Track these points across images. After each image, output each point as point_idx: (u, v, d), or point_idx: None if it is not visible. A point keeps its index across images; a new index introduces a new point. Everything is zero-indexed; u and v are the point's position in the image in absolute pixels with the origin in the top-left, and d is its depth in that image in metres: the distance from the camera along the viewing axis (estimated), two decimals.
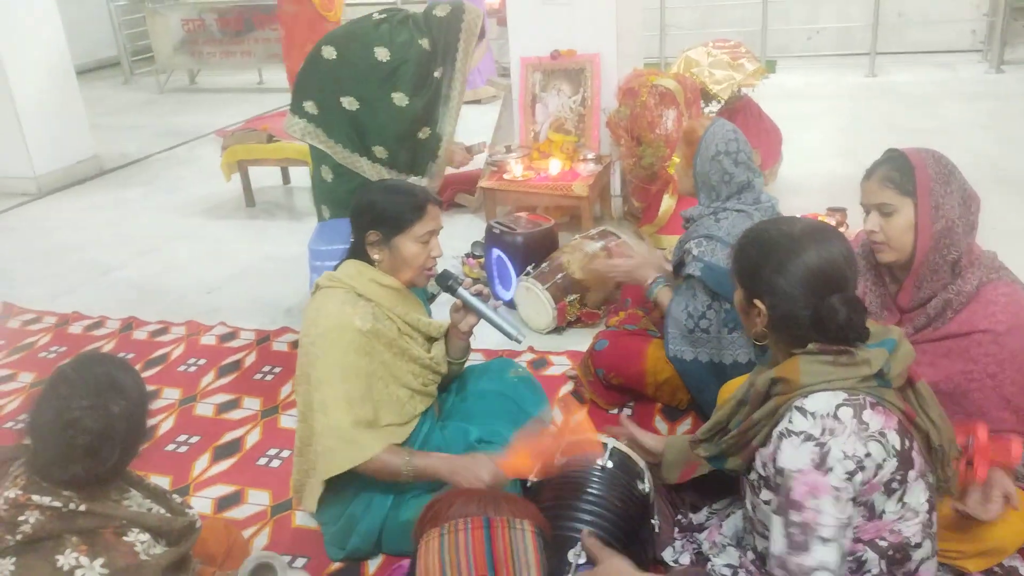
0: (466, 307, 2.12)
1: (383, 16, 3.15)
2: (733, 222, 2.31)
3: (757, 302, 1.51)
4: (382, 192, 2.05)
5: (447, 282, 2.11)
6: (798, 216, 1.64)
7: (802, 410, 1.42)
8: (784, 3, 7.99)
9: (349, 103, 3.02)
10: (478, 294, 2.12)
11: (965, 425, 1.69)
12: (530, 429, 1.94)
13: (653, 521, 1.87)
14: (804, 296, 1.45)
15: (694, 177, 2.44)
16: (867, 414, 1.41)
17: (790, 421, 1.43)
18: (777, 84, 7.24)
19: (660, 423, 2.55)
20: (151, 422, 1.56)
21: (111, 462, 1.42)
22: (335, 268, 2.10)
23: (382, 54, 3.01)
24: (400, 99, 3.02)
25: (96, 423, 1.38)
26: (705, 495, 1.95)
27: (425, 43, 3.06)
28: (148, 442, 1.55)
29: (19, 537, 1.34)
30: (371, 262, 2.05)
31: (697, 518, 1.93)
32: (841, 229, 3.52)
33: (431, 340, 2.17)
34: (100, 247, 4.50)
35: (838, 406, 1.41)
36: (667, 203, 3.68)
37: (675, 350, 2.44)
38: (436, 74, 3.09)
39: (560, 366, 2.93)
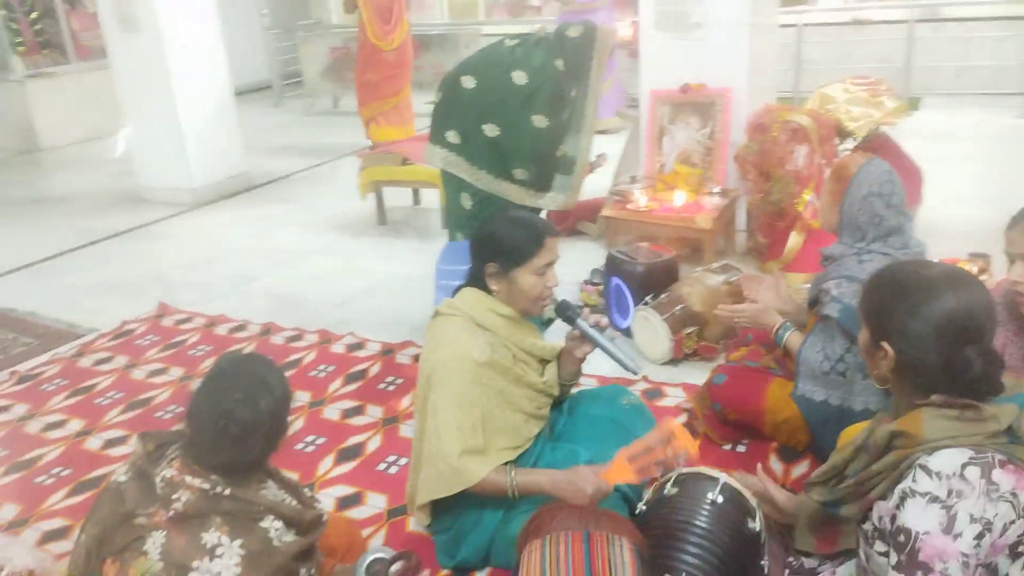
0: (584, 336, 2.17)
1: (516, 41, 3.19)
2: (877, 265, 2.23)
3: (884, 344, 1.47)
4: (502, 224, 2.12)
5: (566, 312, 2.16)
6: (936, 261, 1.60)
7: (926, 469, 1.38)
8: (932, 39, 7.67)
9: (490, 130, 3.07)
10: (595, 325, 2.15)
11: None
12: (633, 443, 1.95)
13: (763, 562, 1.85)
14: (937, 343, 1.40)
15: (840, 215, 2.37)
16: (996, 473, 1.35)
17: (914, 480, 1.38)
18: (920, 123, 6.95)
19: (775, 463, 2.51)
20: (290, 419, 1.68)
21: (256, 452, 1.56)
22: (454, 294, 2.19)
23: (520, 77, 3.04)
24: (540, 121, 3.04)
25: (246, 415, 1.51)
26: None
27: (560, 64, 3.08)
28: (287, 437, 1.68)
29: (172, 513, 1.49)
30: (489, 291, 2.12)
31: (809, 563, 1.88)
32: (983, 277, 3.35)
33: (544, 363, 2.23)
34: (246, 257, 4.84)
35: (964, 465, 1.36)
36: (794, 240, 3.61)
37: (804, 389, 2.37)
38: (572, 93, 3.11)
39: (674, 398, 2.93)
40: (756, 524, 1.86)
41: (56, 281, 4.65)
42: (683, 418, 2.78)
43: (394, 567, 1.84)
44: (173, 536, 1.48)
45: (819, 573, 1.83)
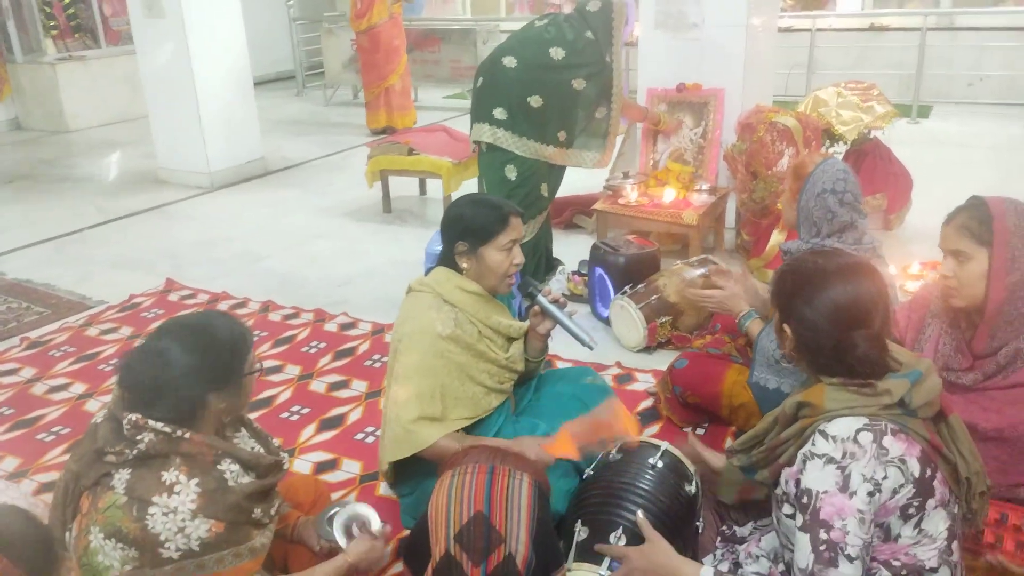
0: (543, 312, 2.29)
1: (545, 21, 3.59)
2: None
3: (786, 327, 1.60)
4: (470, 206, 2.24)
5: (527, 289, 2.29)
6: (844, 252, 1.72)
7: (824, 434, 1.50)
8: (946, 47, 7.68)
9: (535, 101, 3.47)
10: (555, 302, 2.28)
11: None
12: (577, 420, 2.08)
13: (697, 523, 1.97)
14: (827, 328, 1.53)
15: (798, 211, 2.49)
16: (887, 440, 1.47)
17: (813, 444, 1.51)
18: (929, 130, 7.00)
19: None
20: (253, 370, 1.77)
21: (178, 407, 1.62)
22: (427, 273, 2.33)
23: (557, 53, 3.45)
24: (578, 84, 3.47)
25: (146, 378, 1.62)
26: (751, 511, 2.02)
27: (590, 34, 3.49)
28: (236, 394, 1.72)
29: (135, 452, 1.61)
30: (459, 270, 2.25)
31: (741, 531, 2.01)
32: None
33: (511, 340, 2.36)
34: (255, 238, 5.01)
35: (858, 431, 1.48)
36: (776, 238, 3.70)
37: (758, 377, 2.48)
38: (608, 59, 3.51)
39: (644, 383, 3.05)
40: (692, 488, 1.99)
41: (74, 255, 4.85)
42: (649, 402, 2.90)
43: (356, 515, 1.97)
44: (137, 473, 1.60)
45: (747, 540, 1.95)
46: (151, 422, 1.61)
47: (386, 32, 7.40)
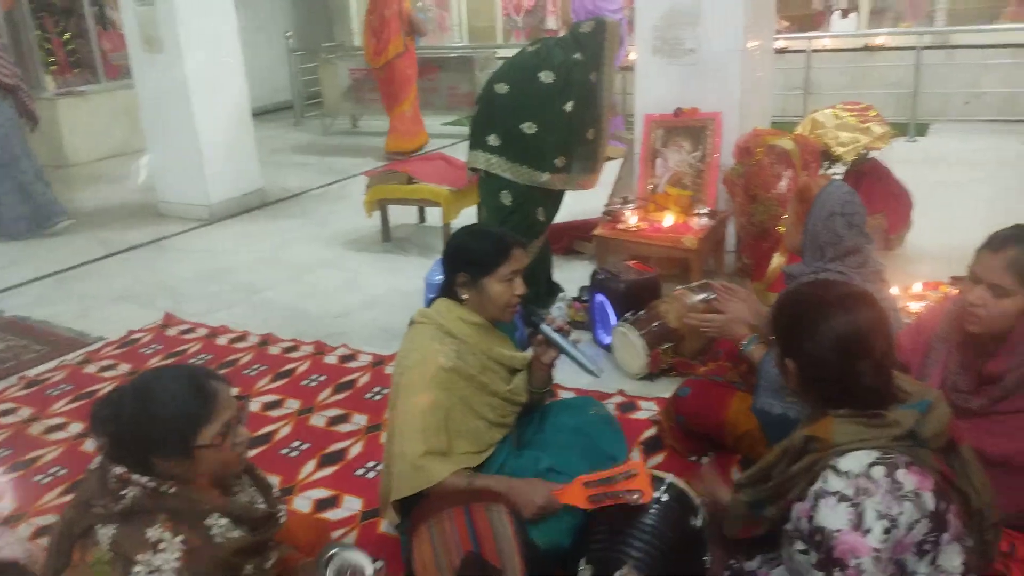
0: (548, 341, 2.26)
1: (537, 45, 3.60)
2: None
3: (788, 362, 1.58)
4: (471, 237, 2.23)
5: (531, 317, 2.27)
6: (840, 281, 1.69)
7: (836, 469, 1.47)
8: (943, 66, 7.70)
9: (528, 127, 3.44)
10: (559, 330, 2.26)
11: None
12: (594, 474, 2.04)
13: (705, 558, 1.93)
14: (832, 359, 1.51)
15: (804, 235, 2.45)
16: (901, 473, 1.44)
17: (825, 480, 1.48)
18: (927, 148, 7.00)
19: (737, 475, 2.57)
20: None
21: (133, 454, 1.59)
22: (429, 304, 2.31)
23: (546, 76, 3.43)
24: (569, 107, 3.43)
25: (106, 425, 1.61)
26: (760, 543, 1.98)
27: (579, 56, 3.48)
28: (188, 464, 1.61)
29: (119, 508, 1.56)
30: (461, 301, 2.23)
31: (749, 565, 1.95)
32: None
33: (514, 372, 2.33)
34: (255, 270, 5.00)
35: (870, 465, 1.45)
36: (776, 261, 3.67)
37: (764, 403, 2.43)
38: (592, 78, 3.50)
39: (647, 411, 3.01)
40: (699, 521, 1.95)
41: (74, 291, 4.84)
42: (652, 431, 2.86)
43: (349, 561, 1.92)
44: (121, 530, 1.55)
45: (756, 574, 1.90)
46: (135, 476, 1.57)
47: (401, 63, 7.69)
